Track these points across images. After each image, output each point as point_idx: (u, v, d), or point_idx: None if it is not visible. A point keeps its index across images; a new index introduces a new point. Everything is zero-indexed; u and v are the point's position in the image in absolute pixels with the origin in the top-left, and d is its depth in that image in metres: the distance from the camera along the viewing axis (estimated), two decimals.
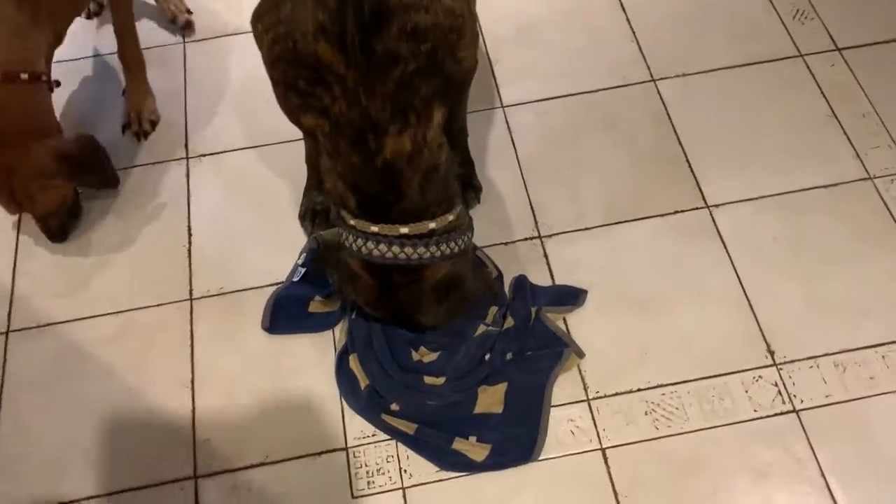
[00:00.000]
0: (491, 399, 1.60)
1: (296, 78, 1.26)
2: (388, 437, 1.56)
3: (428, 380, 1.60)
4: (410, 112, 1.25)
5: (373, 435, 1.57)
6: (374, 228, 1.31)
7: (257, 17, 1.35)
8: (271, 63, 1.31)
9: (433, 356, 1.63)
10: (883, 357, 1.62)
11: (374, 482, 1.52)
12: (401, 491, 1.51)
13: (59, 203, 1.74)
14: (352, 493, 1.51)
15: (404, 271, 1.34)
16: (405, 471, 1.53)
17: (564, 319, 1.69)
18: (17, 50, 1.56)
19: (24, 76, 1.55)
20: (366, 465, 1.54)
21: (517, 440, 1.55)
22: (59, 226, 1.79)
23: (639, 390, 1.60)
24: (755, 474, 1.50)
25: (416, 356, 1.63)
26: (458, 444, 1.55)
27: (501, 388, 1.61)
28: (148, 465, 1.55)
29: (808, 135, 1.92)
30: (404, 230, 1.30)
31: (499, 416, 1.58)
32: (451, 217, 1.36)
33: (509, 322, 1.66)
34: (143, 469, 1.55)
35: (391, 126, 1.24)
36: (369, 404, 1.59)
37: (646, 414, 1.57)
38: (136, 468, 1.55)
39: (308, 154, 1.75)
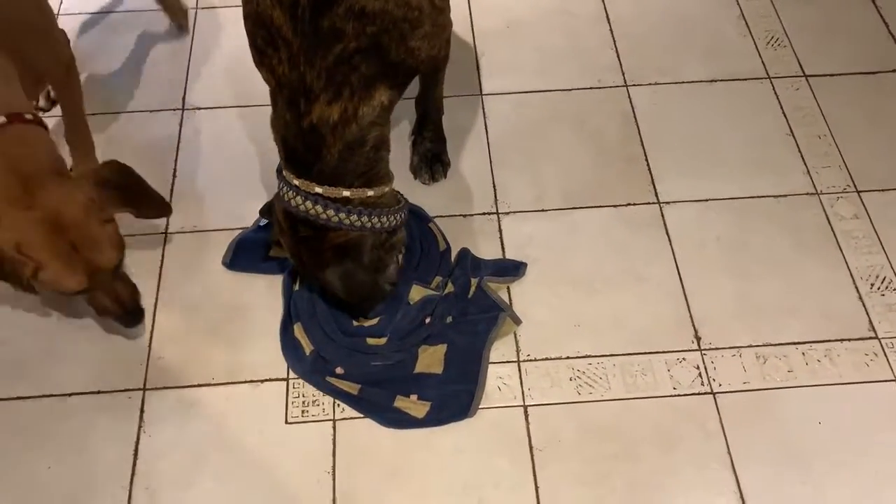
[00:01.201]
0: (431, 359, 1.69)
1: (255, 35, 1.42)
2: None
3: (371, 340, 1.69)
4: (345, 87, 1.38)
5: None
6: (296, 182, 1.44)
7: None
8: (244, 18, 1.46)
9: (374, 320, 1.72)
10: (803, 354, 1.70)
11: (308, 412, 1.62)
12: (331, 422, 1.61)
13: (121, 246, 1.46)
14: (286, 419, 1.61)
15: (309, 226, 1.46)
16: (338, 405, 1.63)
17: (508, 289, 1.79)
18: (13, 93, 1.44)
19: (29, 116, 1.41)
20: (303, 396, 1.64)
21: (456, 397, 1.63)
22: (131, 295, 1.54)
23: (567, 358, 1.70)
24: (666, 445, 1.58)
25: (355, 322, 1.72)
26: (400, 402, 1.63)
27: (441, 349, 1.70)
28: (102, 373, 1.66)
29: (766, 150, 2.03)
30: (319, 190, 1.43)
31: (438, 376, 1.66)
32: (370, 192, 1.47)
33: (450, 288, 1.76)
34: (97, 376, 1.66)
35: (323, 95, 1.37)
36: (314, 368, 1.66)
37: (570, 380, 1.67)
38: (90, 374, 1.66)
39: None
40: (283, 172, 1.47)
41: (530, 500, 1.52)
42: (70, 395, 1.65)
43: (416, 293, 1.73)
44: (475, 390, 1.64)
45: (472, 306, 1.74)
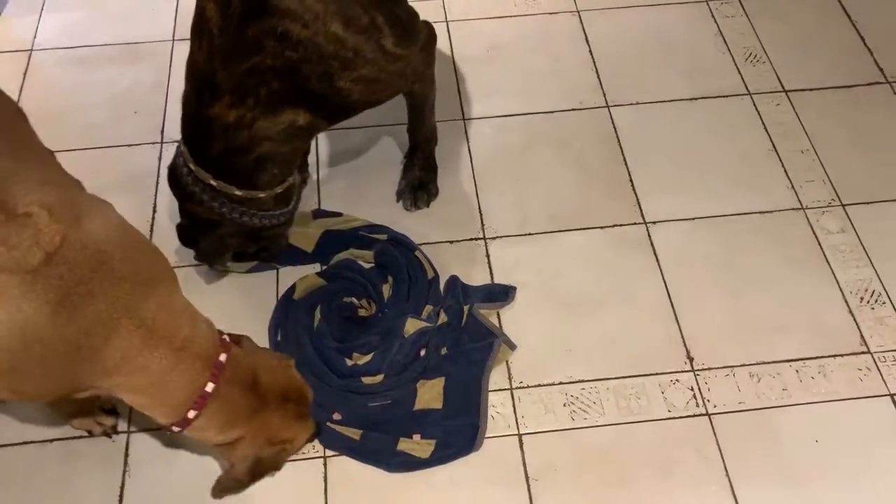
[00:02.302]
0: (430, 394, 1.65)
1: (194, 16, 1.44)
2: None
3: (366, 380, 1.65)
4: (251, 96, 1.39)
5: None
6: (183, 148, 1.53)
7: None
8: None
9: (367, 358, 1.68)
10: (797, 371, 1.69)
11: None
12: (322, 459, 1.58)
13: None
14: None
15: (184, 192, 1.55)
16: None
17: (498, 315, 1.77)
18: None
19: (224, 337, 1.34)
20: None
21: (460, 432, 1.59)
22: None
23: (560, 384, 1.67)
24: (663, 469, 1.56)
25: (350, 362, 1.68)
26: (403, 444, 1.58)
27: (439, 382, 1.66)
28: None
29: (749, 166, 2.03)
30: (213, 183, 1.50)
31: (439, 412, 1.62)
32: (236, 192, 1.53)
33: (443, 318, 1.73)
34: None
35: (227, 97, 1.40)
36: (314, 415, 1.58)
37: (564, 405, 1.64)
38: None
39: None
40: (182, 146, 1.54)
41: None
42: (52, 440, 1.60)
43: (411, 326, 1.69)
44: (479, 423, 1.60)
45: (465, 334, 1.72)
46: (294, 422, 1.35)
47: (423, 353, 1.67)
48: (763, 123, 2.11)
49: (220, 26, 1.36)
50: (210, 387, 1.23)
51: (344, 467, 1.57)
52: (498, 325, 1.75)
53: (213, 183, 1.51)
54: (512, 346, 1.71)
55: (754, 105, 2.15)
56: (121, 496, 1.54)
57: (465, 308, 1.74)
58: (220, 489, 1.35)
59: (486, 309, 1.76)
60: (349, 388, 1.65)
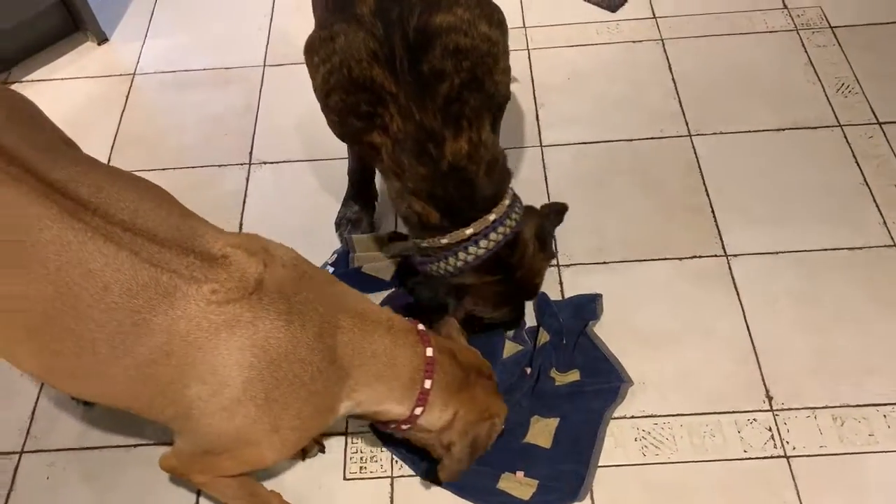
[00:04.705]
0: (542, 431, 1.61)
1: (355, 103, 1.42)
2: None
3: None
4: (462, 119, 1.41)
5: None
6: (469, 231, 1.43)
7: (311, 50, 1.49)
8: (327, 93, 1.46)
9: None
10: (885, 416, 1.61)
11: (366, 468, 1.61)
12: (389, 479, 1.59)
13: None
14: (344, 475, 1.60)
15: (514, 250, 1.46)
16: (396, 462, 1.61)
17: None
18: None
19: (420, 327, 1.39)
20: (361, 452, 1.63)
21: (565, 478, 1.55)
22: None
23: (632, 417, 1.64)
24: None
25: None
26: (505, 482, 1.55)
27: (553, 423, 1.62)
28: None
29: (838, 199, 1.96)
30: (492, 217, 1.44)
31: (546, 452, 1.59)
32: (510, 192, 1.51)
33: (544, 337, 1.71)
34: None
35: (446, 132, 1.40)
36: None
37: (635, 440, 1.61)
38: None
39: (351, 168, 1.92)
40: (444, 241, 1.44)
41: None
42: (136, 445, 1.67)
43: (509, 349, 1.69)
44: (585, 474, 1.55)
45: (580, 357, 1.70)
46: (495, 396, 1.39)
47: (528, 370, 1.66)
48: (854, 156, 2.04)
49: (395, 81, 1.37)
50: (430, 351, 1.30)
51: (410, 489, 1.58)
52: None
53: (507, 201, 1.47)
54: (630, 383, 1.67)
55: (845, 137, 2.08)
56: (197, 502, 1.59)
57: (572, 327, 1.72)
58: (447, 473, 1.38)
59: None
60: None
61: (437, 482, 1.54)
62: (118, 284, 1.10)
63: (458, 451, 1.34)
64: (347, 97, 1.43)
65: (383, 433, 1.58)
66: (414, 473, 1.59)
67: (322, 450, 1.62)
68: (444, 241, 1.44)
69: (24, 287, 1.11)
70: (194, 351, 1.11)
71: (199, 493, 1.60)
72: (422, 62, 1.37)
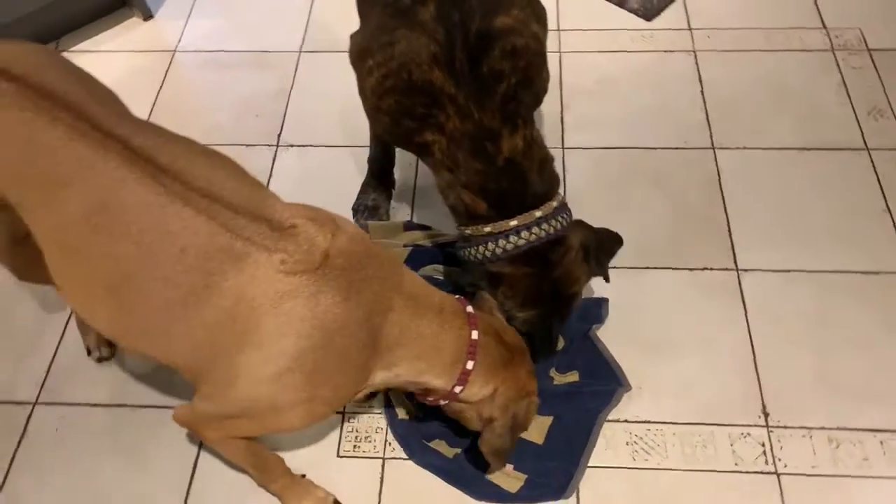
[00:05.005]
0: (535, 427, 1.62)
1: (411, 105, 1.46)
2: (380, 411, 1.69)
3: None
4: (517, 118, 1.46)
5: (369, 407, 1.70)
6: (514, 223, 1.46)
7: (366, 54, 1.52)
8: (380, 95, 1.50)
9: None
10: (881, 442, 1.60)
11: (359, 447, 1.65)
12: (381, 461, 1.63)
13: None
14: (338, 452, 1.64)
15: (555, 247, 1.48)
16: (390, 443, 1.65)
17: None
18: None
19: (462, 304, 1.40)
20: (356, 431, 1.67)
21: (553, 474, 1.57)
22: None
23: (626, 421, 1.65)
24: None
25: None
26: (494, 474, 1.58)
27: (546, 420, 1.64)
28: (173, 387, 1.75)
29: (858, 223, 1.94)
30: (538, 213, 1.47)
31: (537, 447, 1.61)
32: (560, 197, 1.53)
33: (561, 342, 1.71)
34: (167, 389, 1.75)
35: (504, 130, 1.44)
36: (409, 430, 1.64)
37: (627, 444, 1.62)
38: (163, 388, 1.75)
39: (372, 156, 1.96)
40: (488, 229, 1.47)
41: None
42: (146, 406, 1.73)
43: None
44: (574, 471, 1.57)
45: (580, 360, 1.71)
46: (532, 376, 1.43)
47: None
48: (879, 181, 2.01)
49: (455, 83, 1.42)
50: (475, 334, 1.34)
51: (400, 471, 1.61)
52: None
53: (555, 203, 1.49)
54: (628, 388, 1.68)
55: (871, 161, 2.06)
56: (194, 469, 1.64)
57: (576, 329, 1.73)
58: (491, 451, 1.41)
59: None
60: None
61: (481, 467, 1.57)
62: (195, 247, 1.14)
63: (500, 426, 1.38)
64: (403, 100, 1.47)
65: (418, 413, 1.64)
66: (406, 457, 1.63)
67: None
68: (488, 228, 1.48)
69: (108, 247, 1.17)
70: (257, 317, 1.15)
71: (198, 454, 1.66)
72: (481, 64, 1.42)
